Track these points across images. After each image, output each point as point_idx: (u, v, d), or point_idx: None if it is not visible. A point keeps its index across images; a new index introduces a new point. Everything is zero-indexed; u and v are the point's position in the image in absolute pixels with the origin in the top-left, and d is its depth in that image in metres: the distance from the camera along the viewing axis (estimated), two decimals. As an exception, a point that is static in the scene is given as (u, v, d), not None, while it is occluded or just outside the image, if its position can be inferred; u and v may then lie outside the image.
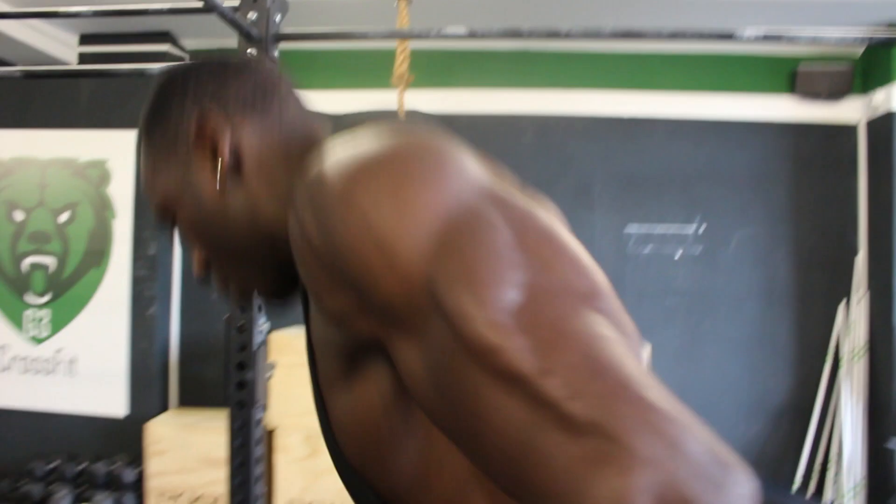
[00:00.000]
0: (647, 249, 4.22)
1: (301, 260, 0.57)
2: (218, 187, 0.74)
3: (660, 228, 4.21)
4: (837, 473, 3.84)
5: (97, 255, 4.37)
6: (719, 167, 4.20)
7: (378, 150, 0.54)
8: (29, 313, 4.41)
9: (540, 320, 0.44)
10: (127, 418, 4.34)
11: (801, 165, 4.16)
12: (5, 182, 4.41)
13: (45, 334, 4.39)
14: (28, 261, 4.40)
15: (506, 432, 0.42)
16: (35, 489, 4.09)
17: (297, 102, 0.80)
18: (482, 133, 4.35)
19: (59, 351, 4.38)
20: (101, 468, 4.11)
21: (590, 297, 0.50)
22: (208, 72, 0.77)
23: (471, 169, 0.56)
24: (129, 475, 4.07)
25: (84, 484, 4.09)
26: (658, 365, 3.98)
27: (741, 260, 4.16)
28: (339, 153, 0.56)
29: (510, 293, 0.46)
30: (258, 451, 1.84)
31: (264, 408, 1.84)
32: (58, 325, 4.38)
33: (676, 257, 4.20)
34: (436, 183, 0.52)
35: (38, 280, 4.40)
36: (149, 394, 4.38)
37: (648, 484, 0.36)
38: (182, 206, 0.78)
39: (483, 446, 0.44)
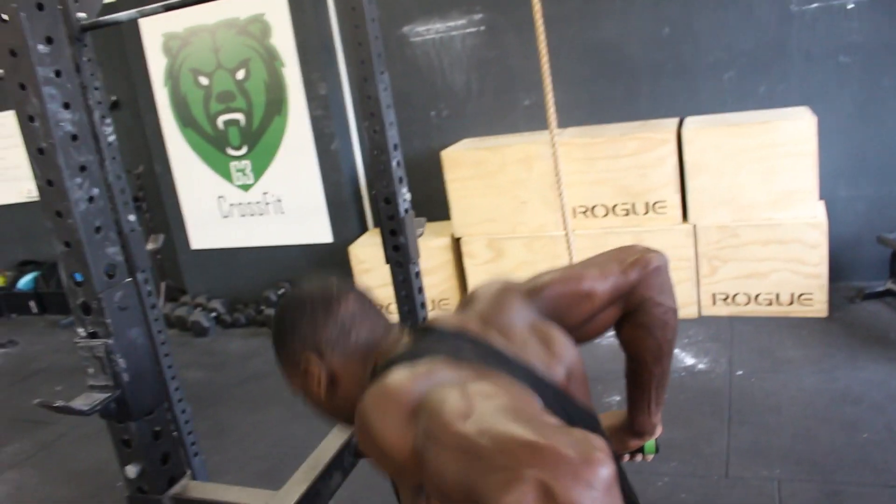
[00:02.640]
0: (814, 5, 3.91)
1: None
2: (322, 396, 1.18)
3: (828, -21, 3.87)
4: None
5: (277, 104, 4.77)
6: None
7: (379, 395, 0.95)
8: (233, 165, 4.98)
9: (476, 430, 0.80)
10: (333, 244, 4.92)
11: None
12: (185, 53, 4.84)
13: (250, 182, 4.97)
14: (221, 119, 4.91)
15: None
16: (273, 312, 4.85)
17: (367, 321, 1.20)
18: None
19: (265, 194, 4.97)
20: (320, 289, 4.75)
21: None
22: (306, 318, 1.17)
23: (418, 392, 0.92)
24: (343, 293, 4.68)
25: (309, 304, 4.77)
26: (830, 128, 3.84)
27: (926, -1, 3.76)
28: (366, 400, 0.96)
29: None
30: (420, 297, 2.15)
31: (418, 262, 2.13)
32: (258, 171, 4.93)
33: (849, 7, 3.86)
34: (393, 419, 0.91)
35: (234, 135, 4.92)
36: (347, 219, 4.90)
37: (531, 495, 0.69)
38: (304, 396, 1.21)
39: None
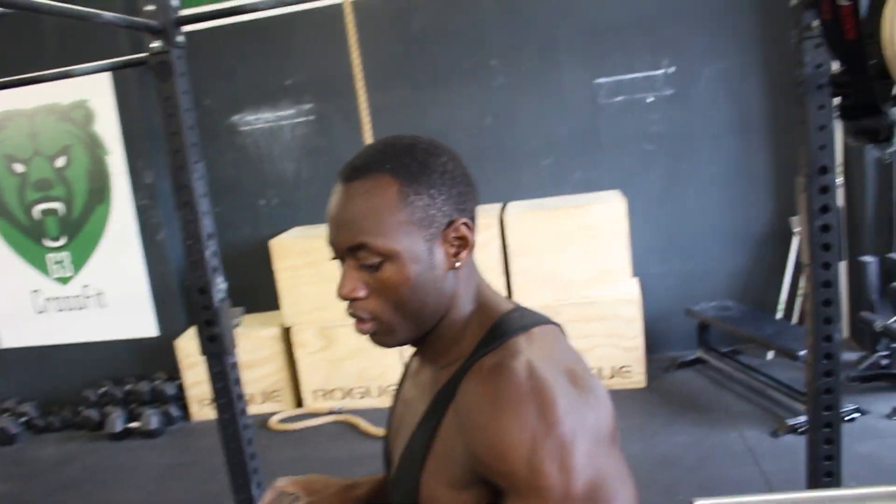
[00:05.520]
0: (619, 98, 4.25)
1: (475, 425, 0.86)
2: (444, 273, 0.94)
3: (629, 76, 4.22)
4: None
5: (99, 193, 4.59)
6: (686, 4, 4.13)
7: (522, 390, 0.84)
8: (50, 257, 4.70)
9: None
10: (159, 337, 4.69)
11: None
12: (-2, 138, 4.61)
13: (69, 274, 4.70)
14: (38, 208, 4.66)
15: None
16: (92, 413, 4.51)
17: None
18: (442, 3, 4.35)
19: (85, 287, 4.70)
20: (144, 386, 4.50)
21: None
22: (464, 183, 0.96)
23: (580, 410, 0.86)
24: (170, 389, 4.46)
25: (133, 402, 4.49)
26: (639, 210, 4.11)
27: (713, 96, 4.17)
28: (506, 378, 0.85)
29: None
30: (237, 389, 2.07)
31: (235, 353, 2.05)
32: (79, 263, 4.68)
33: (649, 100, 4.22)
34: (561, 422, 0.82)
35: (52, 225, 4.67)
36: (174, 312, 4.69)
37: None
38: (406, 263, 0.92)
39: None
